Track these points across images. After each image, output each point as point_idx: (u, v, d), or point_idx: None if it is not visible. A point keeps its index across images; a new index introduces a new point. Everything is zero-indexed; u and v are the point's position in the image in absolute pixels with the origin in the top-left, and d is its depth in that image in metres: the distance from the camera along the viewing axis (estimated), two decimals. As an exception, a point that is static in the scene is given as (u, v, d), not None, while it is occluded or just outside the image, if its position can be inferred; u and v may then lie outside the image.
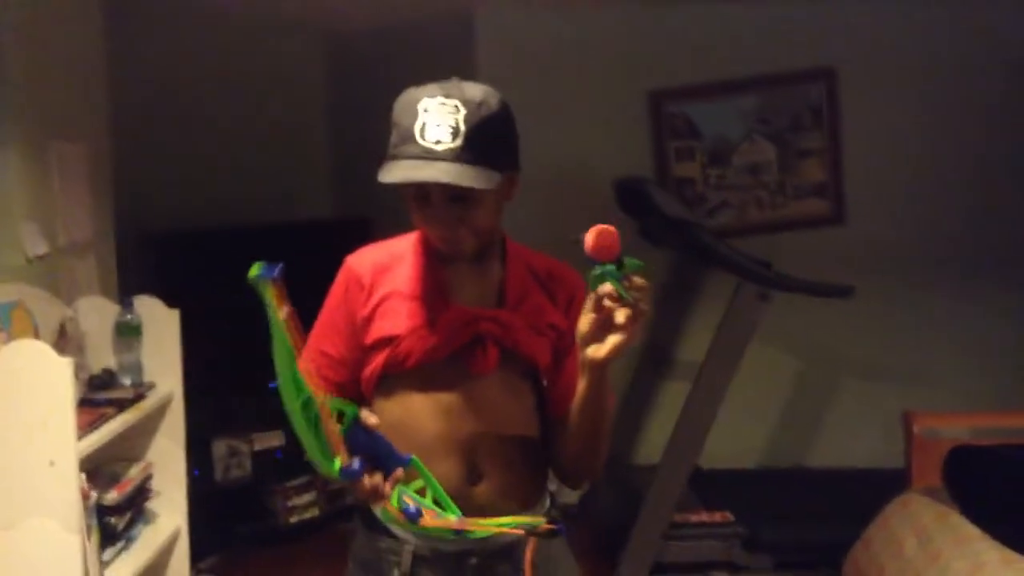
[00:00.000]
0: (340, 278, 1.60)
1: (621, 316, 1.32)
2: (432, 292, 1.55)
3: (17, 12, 2.48)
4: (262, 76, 4.26)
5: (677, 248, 3.89)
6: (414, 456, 1.40)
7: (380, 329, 1.54)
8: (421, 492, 1.43)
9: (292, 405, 1.28)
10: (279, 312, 1.23)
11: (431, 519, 1.38)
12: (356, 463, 1.32)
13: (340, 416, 1.34)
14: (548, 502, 1.66)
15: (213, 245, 3.81)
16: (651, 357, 4.20)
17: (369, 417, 1.37)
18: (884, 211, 4.14)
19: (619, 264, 1.31)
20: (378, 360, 1.54)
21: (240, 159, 4.14)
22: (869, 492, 3.13)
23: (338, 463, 1.32)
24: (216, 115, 4.13)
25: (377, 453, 1.36)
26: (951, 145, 4.12)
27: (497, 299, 1.58)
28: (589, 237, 1.29)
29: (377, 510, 1.43)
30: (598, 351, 1.38)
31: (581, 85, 4.06)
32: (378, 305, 1.55)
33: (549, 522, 1.44)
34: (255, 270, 1.21)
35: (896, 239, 4.14)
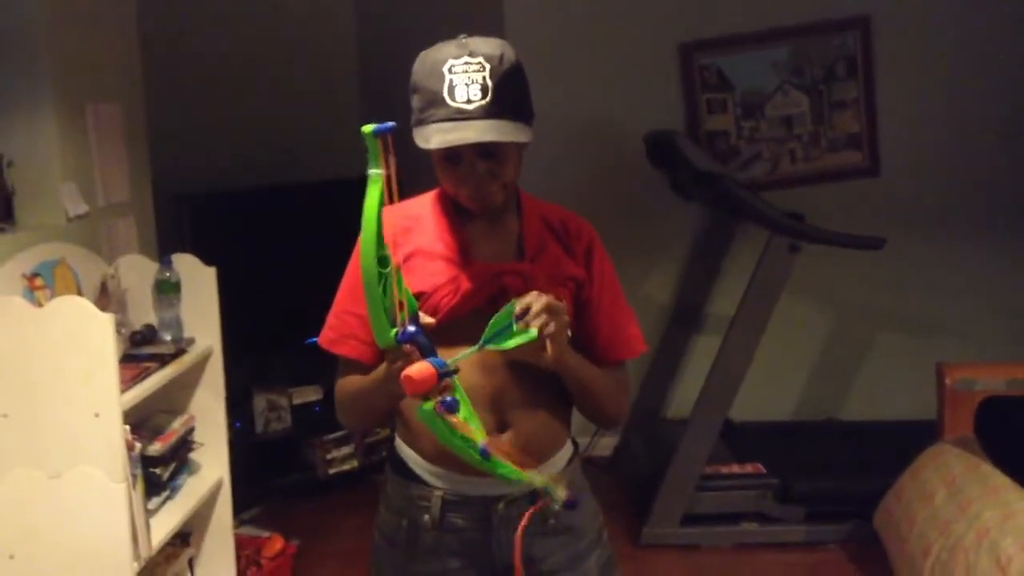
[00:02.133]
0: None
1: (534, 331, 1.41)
2: (453, 249, 1.58)
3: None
4: (292, 33, 4.28)
5: (708, 201, 3.88)
6: (451, 365, 1.39)
7: (409, 284, 1.57)
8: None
9: (369, 258, 1.33)
10: (380, 166, 1.29)
11: (463, 427, 1.39)
12: (411, 326, 1.36)
13: (401, 305, 1.37)
14: (571, 452, 1.70)
15: (247, 204, 3.87)
16: (682, 311, 4.21)
17: (426, 317, 1.42)
18: (919, 163, 4.09)
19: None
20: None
21: (271, 118, 4.17)
22: (901, 444, 3.14)
23: (394, 331, 1.36)
24: (247, 74, 4.17)
25: (424, 354, 1.37)
26: (986, 96, 4.04)
27: (516, 252, 1.61)
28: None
29: (415, 409, 1.42)
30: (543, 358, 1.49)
31: (610, 38, 4.03)
32: (401, 264, 1.58)
33: (567, 499, 1.46)
34: (369, 128, 1.28)
35: (931, 191, 4.10)
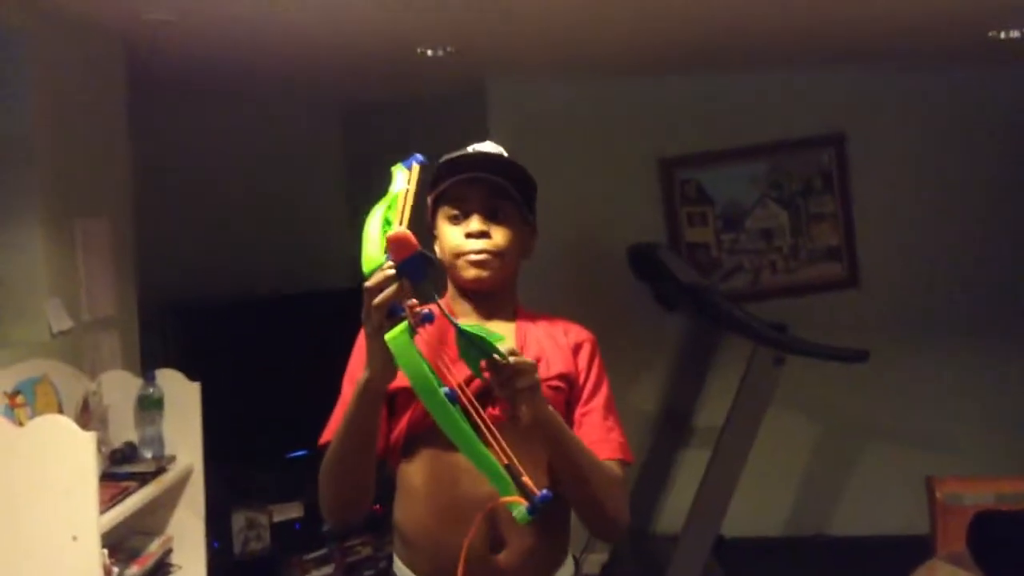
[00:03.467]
0: (360, 342, 1.64)
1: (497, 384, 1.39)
2: (445, 350, 1.58)
3: (42, 92, 2.55)
4: (280, 148, 4.35)
5: (692, 313, 3.91)
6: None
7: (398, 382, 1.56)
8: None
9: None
10: (400, 184, 1.39)
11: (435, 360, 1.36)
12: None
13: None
14: (573, 568, 1.66)
15: (233, 316, 3.86)
16: (670, 424, 4.19)
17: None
18: (899, 274, 4.15)
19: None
20: (401, 423, 1.58)
21: (259, 231, 4.20)
22: (894, 559, 3.09)
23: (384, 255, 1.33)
24: (235, 188, 4.21)
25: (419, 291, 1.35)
26: (963, 207, 4.15)
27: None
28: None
29: (388, 335, 1.36)
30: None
31: (592, 153, 4.13)
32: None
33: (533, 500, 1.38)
34: (399, 165, 1.40)
35: (912, 302, 4.15)
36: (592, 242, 4.13)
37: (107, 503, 2.22)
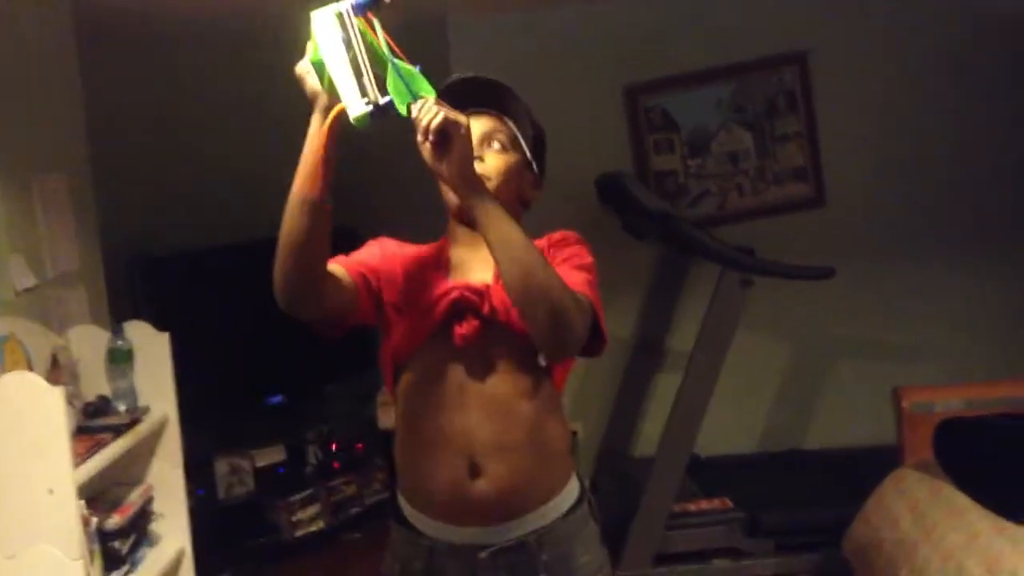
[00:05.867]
0: (372, 241, 1.73)
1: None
2: (432, 267, 1.66)
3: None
4: (248, 88, 4.27)
5: (659, 240, 3.93)
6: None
7: (389, 292, 1.64)
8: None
9: None
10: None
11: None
12: None
13: None
14: (578, 492, 1.69)
15: (202, 264, 3.85)
16: (642, 349, 4.24)
17: None
18: (864, 191, 4.17)
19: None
20: (390, 344, 1.63)
21: (221, 176, 4.15)
22: (865, 470, 3.18)
23: None
24: (195, 135, 4.16)
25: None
26: (925, 122, 4.14)
27: (489, 274, 1.63)
28: None
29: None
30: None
31: (555, 83, 4.08)
32: (392, 277, 1.66)
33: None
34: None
35: (878, 218, 4.18)
36: (559, 173, 4.07)
37: (82, 456, 2.25)
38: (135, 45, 3.88)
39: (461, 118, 1.40)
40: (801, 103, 4.14)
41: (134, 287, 3.65)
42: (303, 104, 1.45)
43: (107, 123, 3.44)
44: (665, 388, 4.07)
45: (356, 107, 1.33)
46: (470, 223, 1.63)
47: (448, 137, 1.38)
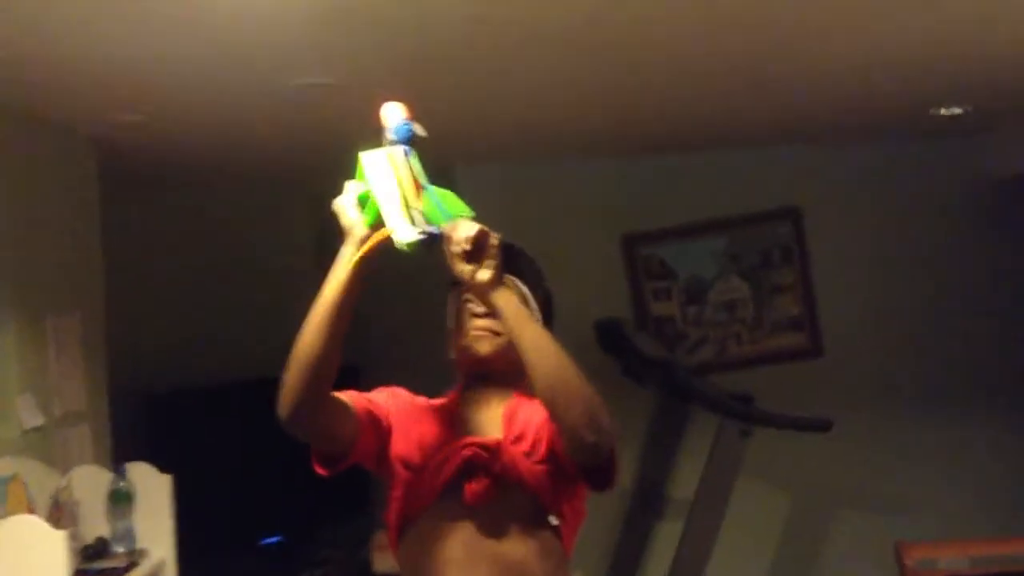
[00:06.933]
0: (383, 388, 1.74)
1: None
2: (444, 426, 1.66)
3: (12, 193, 2.60)
4: (250, 236, 4.41)
5: (658, 387, 3.96)
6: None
7: (399, 444, 1.65)
8: None
9: None
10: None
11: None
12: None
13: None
14: None
15: (204, 404, 3.87)
16: (641, 496, 4.21)
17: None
18: (860, 342, 4.23)
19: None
20: (395, 502, 1.63)
21: (229, 318, 4.23)
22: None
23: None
24: (204, 275, 4.25)
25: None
26: (918, 275, 4.25)
27: (498, 432, 1.65)
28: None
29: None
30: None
31: (557, 232, 4.21)
32: (401, 427, 1.67)
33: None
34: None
35: (875, 369, 4.22)
36: (559, 317, 4.17)
37: (78, 601, 2.22)
38: (149, 186, 4.02)
39: (494, 234, 1.48)
40: (796, 256, 4.26)
41: (135, 425, 3.65)
42: (321, 255, 1.53)
43: (119, 262, 3.53)
44: (665, 537, 4.02)
45: (408, 234, 1.43)
46: (478, 376, 1.68)
47: (482, 247, 1.45)
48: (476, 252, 1.45)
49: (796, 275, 4.26)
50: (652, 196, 4.26)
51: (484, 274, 1.46)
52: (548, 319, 1.74)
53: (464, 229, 1.45)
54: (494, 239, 1.47)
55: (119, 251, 3.49)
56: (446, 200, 1.50)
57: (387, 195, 1.46)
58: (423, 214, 1.46)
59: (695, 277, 4.27)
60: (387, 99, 1.55)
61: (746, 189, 4.25)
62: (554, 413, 1.49)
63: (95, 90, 2.55)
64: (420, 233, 1.43)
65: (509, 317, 1.49)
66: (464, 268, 1.46)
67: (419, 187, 1.48)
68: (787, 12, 2.22)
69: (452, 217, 1.48)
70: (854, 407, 4.06)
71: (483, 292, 1.50)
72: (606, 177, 4.25)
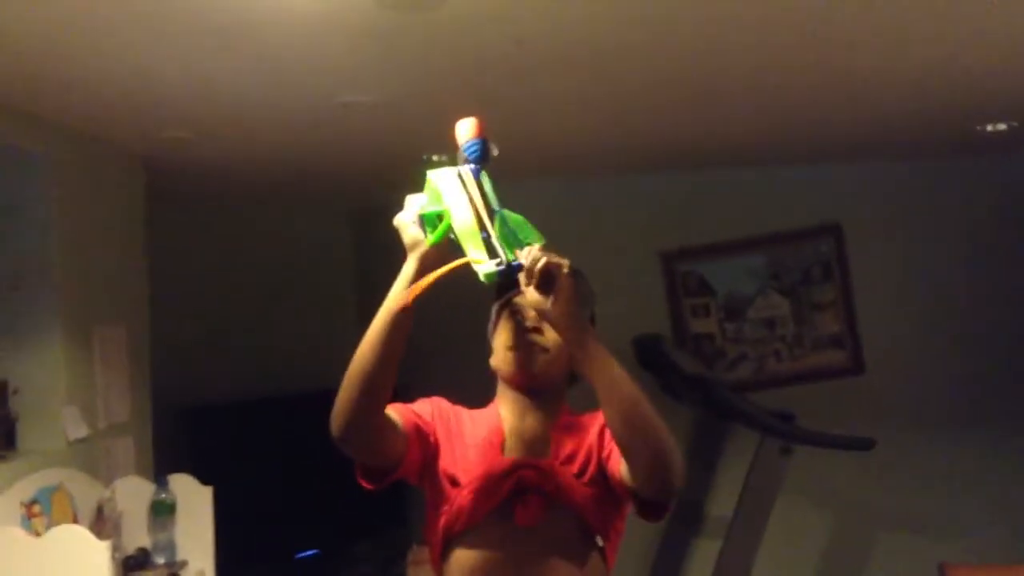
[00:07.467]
0: (425, 400, 1.73)
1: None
2: (488, 440, 1.65)
3: (62, 210, 2.66)
4: (289, 252, 4.46)
5: (698, 404, 3.94)
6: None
7: (446, 460, 1.65)
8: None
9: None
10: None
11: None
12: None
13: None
14: None
15: (244, 418, 3.91)
16: (679, 514, 4.18)
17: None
18: (902, 360, 4.19)
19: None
20: (439, 523, 1.62)
21: (269, 332, 4.28)
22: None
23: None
24: (245, 290, 4.31)
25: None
26: (961, 291, 4.20)
27: (546, 451, 1.65)
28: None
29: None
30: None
31: (594, 249, 4.17)
32: (447, 443, 1.67)
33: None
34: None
35: (916, 387, 4.17)
36: (598, 334, 4.18)
37: (121, 611, 2.25)
38: (192, 202, 4.09)
39: (564, 261, 1.45)
40: (837, 272, 4.22)
41: (177, 437, 3.70)
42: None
43: (161, 276, 3.59)
44: (703, 555, 3.99)
45: (488, 266, 1.41)
46: (522, 389, 1.67)
47: (552, 279, 1.43)
48: (547, 282, 1.43)
49: (837, 292, 4.22)
50: (691, 213, 4.25)
51: (555, 308, 1.43)
52: None
53: (536, 259, 1.42)
54: (565, 268, 1.44)
55: (163, 266, 3.56)
56: (518, 225, 1.47)
57: (462, 221, 1.43)
58: (497, 239, 1.42)
59: (734, 294, 4.24)
60: (452, 116, 1.52)
61: (786, 205, 4.22)
62: (628, 453, 1.48)
63: (143, 108, 2.60)
64: (498, 264, 1.40)
65: (584, 356, 1.47)
66: (536, 300, 1.44)
67: (491, 211, 1.44)
68: (839, 31, 2.21)
69: (523, 244, 1.45)
70: (895, 426, 4.01)
71: (557, 325, 1.48)
72: (645, 193, 4.25)
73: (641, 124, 3.17)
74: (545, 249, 1.44)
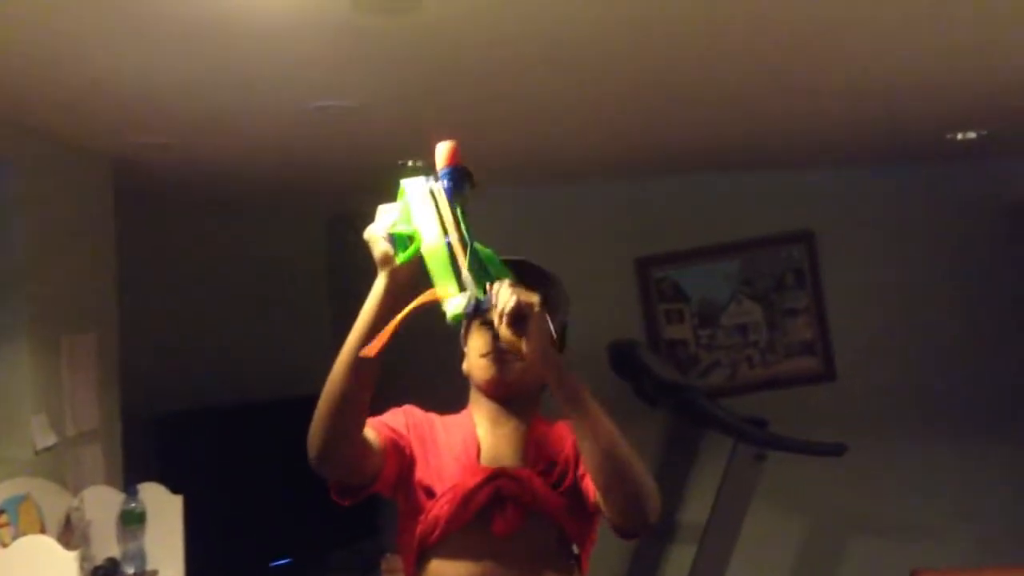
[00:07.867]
0: (398, 409, 1.70)
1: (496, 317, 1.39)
2: (463, 449, 1.64)
3: (30, 216, 2.62)
4: (263, 258, 4.42)
5: (672, 410, 3.95)
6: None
7: (422, 471, 1.63)
8: None
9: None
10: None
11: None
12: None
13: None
14: None
15: (215, 425, 3.87)
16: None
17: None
18: (873, 367, 4.21)
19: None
20: (414, 531, 1.60)
21: (241, 339, 4.24)
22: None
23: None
24: (217, 296, 4.26)
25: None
26: (932, 299, 4.23)
27: (521, 460, 1.64)
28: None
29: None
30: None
31: (570, 254, 4.18)
32: (422, 453, 1.65)
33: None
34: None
35: (887, 394, 4.20)
36: (571, 340, 4.17)
37: (89, 623, 2.21)
38: (164, 207, 4.04)
39: (534, 298, 1.42)
40: (809, 279, 4.25)
41: (147, 445, 3.65)
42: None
43: (132, 282, 3.54)
44: (677, 560, 4.00)
45: (454, 302, 1.37)
46: (496, 397, 1.66)
47: (524, 318, 1.39)
48: (519, 322, 1.40)
49: (809, 299, 4.25)
50: (665, 219, 4.26)
51: (528, 346, 1.40)
52: (560, 348, 1.72)
53: (506, 299, 1.38)
54: (536, 307, 1.41)
55: (135, 272, 3.51)
56: (488, 260, 1.44)
57: (431, 247, 1.39)
58: (467, 273, 1.38)
59: (708, 300, 4.26)
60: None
61: (760, 212, 4.25)
62: (603, 492, 1.47)
63: (114, 112, 2.57)
64: (468, 300, 1.36)
65: (563, 395, 1.45)
66: (509, 340, 1.40)
67: (463, 241, 1.40)
68: (805, 39, 2.22)
69: (494, 279, 1.41)
70: (867, 432, 4.03)
71: (532, 363, 1.45)
72: (619, 200, 4.26)
73: (616, 130, 3.18)
74: (513, 286, 1.41)
